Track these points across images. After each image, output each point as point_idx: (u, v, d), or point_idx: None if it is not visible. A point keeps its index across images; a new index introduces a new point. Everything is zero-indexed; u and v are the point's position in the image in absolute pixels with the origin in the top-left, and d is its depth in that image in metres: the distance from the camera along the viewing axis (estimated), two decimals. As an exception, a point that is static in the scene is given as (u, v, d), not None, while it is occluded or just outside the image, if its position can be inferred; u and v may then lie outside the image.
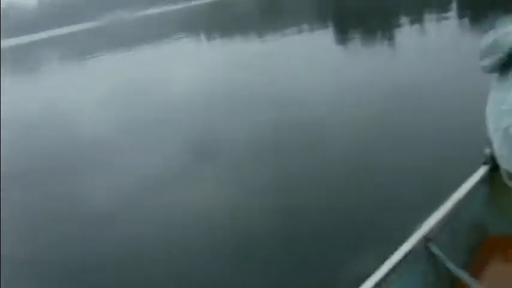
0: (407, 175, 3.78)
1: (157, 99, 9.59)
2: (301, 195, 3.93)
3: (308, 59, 10.37)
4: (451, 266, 1.66)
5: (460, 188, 1.89)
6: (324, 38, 14.39)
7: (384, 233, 2.95)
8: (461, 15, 13.92)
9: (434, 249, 1.69)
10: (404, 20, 15.82)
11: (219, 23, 33.48)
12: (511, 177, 1.15)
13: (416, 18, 14.86)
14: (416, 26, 13.56)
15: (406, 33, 12.44)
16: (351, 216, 3.41)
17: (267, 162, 4.84)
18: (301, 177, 4.32)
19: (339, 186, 3.95)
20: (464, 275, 1.61)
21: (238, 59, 13.21)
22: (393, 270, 1.54)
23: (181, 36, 25.22)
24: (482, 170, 1.94)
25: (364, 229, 3.17)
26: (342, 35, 14.45)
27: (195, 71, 12.11)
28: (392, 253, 1.62)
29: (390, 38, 12.08)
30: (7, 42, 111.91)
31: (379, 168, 4.04)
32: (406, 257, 1.60)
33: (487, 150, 1.86)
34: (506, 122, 0.98)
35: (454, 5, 17.04)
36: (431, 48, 8.91)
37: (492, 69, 1.05)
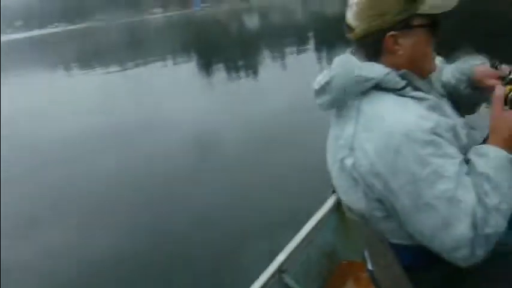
0: (260, 210, 3.85)
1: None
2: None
3: (169, 92, 10.25)
4: None
5: (311, 219, 1.91)
6: (187, 70, 14.59)
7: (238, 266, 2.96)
8: (318, 49, 15.76)
9: (288, 280, 1.69)
10: (266, 52, 17.17)
11: (81, 52, 31.40)
12: (349, 208, 1.13)
13: (278, 51, 16.29)
14: (277, 59, 14.85)
15: (267, 65, 13.46)
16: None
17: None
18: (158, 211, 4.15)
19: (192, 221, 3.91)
20: None
21: (94, 92, 12.36)
22: None
23: (37, 67, 22.74)
24: (331, 200, 2.01)
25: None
26: (205, 67, 14.84)
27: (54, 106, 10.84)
28: None
29: (251, 70, 12.84)
30: None
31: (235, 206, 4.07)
32: None
33: None
34: (342, 154, 0.99)
35: (312, 40, 19.28)
36: (290, 80, 9.63)
37: (328, 107, 1.07)
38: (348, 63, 1.03)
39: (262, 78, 11.15)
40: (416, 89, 1.01)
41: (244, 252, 3.21)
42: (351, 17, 1.04)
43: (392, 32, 0.99)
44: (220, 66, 14.67)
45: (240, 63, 14.96)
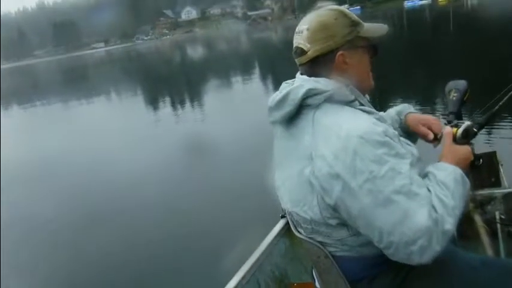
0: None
1: None
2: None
3: (116, 126, 9.99)
4: None
5: (260, 244, 1.95)
6: (133, 104, 14.34)
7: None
8: (263, 77, 16.18)
9: None
10: (214, 81, 17.33)
11: (20, 89, 29.71)
12: (297, 224, 1.21)
13: (225, 81, 16.50)
14: (224, 88, 15.03)
15: (215, 95, 13.56)
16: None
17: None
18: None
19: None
20: None
21: (39, 130, 11.72)
22: None
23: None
24: (280, 224, 2.04)
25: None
26: (151, 100, 14.66)
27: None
28: None
29: (197, 101, 12.87)
30: None
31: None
32: None
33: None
34: (299, 166, 1.05)
35: (257, 69, 19.75)
36: (237, 109, 9.82)
37: (281, 122, 1.13)
38: (304, 80, 1.14)
39: (207, 110, 11.21)
40: (361, 104, 1.14)
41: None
42: (302, 41, 1.15)
43: (341, 52, 1.13)
44: (165, 98, 14.58)
45: (185, 95, 14.96)
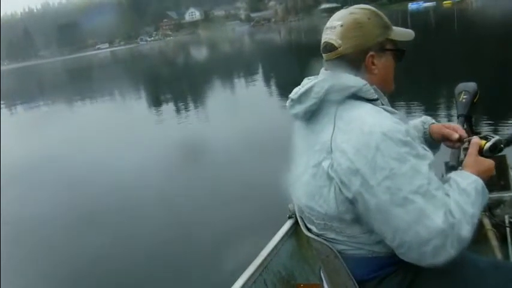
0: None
1: None
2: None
3: (120, 127, 10.00)
4: None
5: (267, 244, 1.93)
6: (137, 104, 14.39)
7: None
8: (267, 79, 16.19)
9: None
10: (217, 83, 17.36)
11: (24, 89, 29.89)
12: (309, 221, 1.19)
13: (228, 83, 16.52)
14: (228, 90, 15.05)
15: (219, 96, 13.58)
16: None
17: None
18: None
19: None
20: None
21: (43, 130, 11.77)
22: None
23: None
24: (287, 224, 2.05)
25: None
26: (154, 101, 14.69)
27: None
28: None
29: (200, 102, 12.88)
30: None
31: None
32: None
33: (290, 205, 1.99)
34: (317, 159, 1.05)
35: (260, 70, 19.78)
36: (240, 110, 9.80)
37: (303, 116, 1.13)
38: (329, 75, 1.14)
39: (211, 111, 11.21)
40: (383, 105, 1.14)
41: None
42: (334, 36, 1.15)
43: (372, 52, 1.14)
44: (168, 99, 14.61)
45: (187, 96, 14.98)
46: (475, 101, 1.40)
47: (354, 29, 1.13)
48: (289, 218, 2.06)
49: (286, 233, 2.02)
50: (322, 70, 1.19)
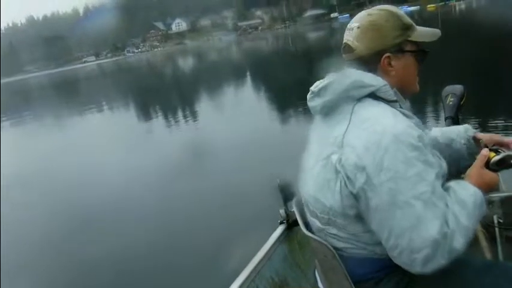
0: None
1: None
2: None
3: (107, 139, 9.91)
4: None
5: (259, 250, 1.92)
6: (125, 116, 14.31)
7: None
8: (255, 84, 16.29)
9: None
10: (206, 92, 17.37)
11: (10, 104, 29.53)
12: (312, 214, 1.18)
13: (215, 91, 16.54)
14: (214, 98, 15.07)
15: (208, 104, 13.59)
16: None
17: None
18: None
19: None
20: None
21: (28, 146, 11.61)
22: None
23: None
24: (279, 230, 2.05)
25: None
26: (143, 112, 14.65)
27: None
28: None
29: (190, 112, 12.86)
30: None
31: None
32: None
33: (281, 211, 2.02)
34: (328, 152, 1.06)
35: (248, 75, 19.88)
36: (229, 116, 9.81)
37: (320, 111, 1.14)
38: (351, 71, 1.14)
39: (199, 119, 11.20)
40: (401, 108, 1.14)
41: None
42: (351, 38, 1.16)
43: (388, 54, 1.13)
44: (158, 110, 14.57)
45: (176, 105, 14.95)
46: (462, 103, 1.41)
47: (370, 31, 1.14)
48: (281, 223, 2.06)
49: (278, 239, 2.02)
50: (345, 67, 1.20)
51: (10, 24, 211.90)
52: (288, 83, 13.92)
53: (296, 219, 1.97)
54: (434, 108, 6.72)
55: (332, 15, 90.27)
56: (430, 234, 0.96)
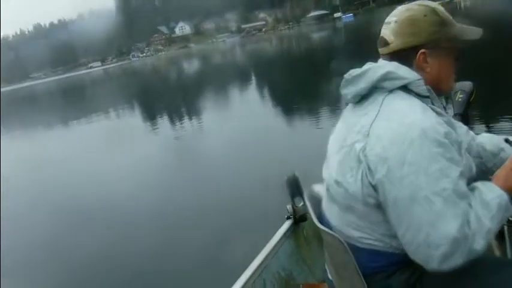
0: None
1: None
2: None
3: (114, 144, 9.96)
4: None
5: (266, 245, 1.93)
6: (131, 121, 14.38)
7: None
8: (259, 86, 16.29)
9: None
10: (210, 94, 17.42)
11: (16, 111, 29.85)
12: (333, 200, 1.17)
13: (221, 91, 16.59)
14: (222, 97, 15.12)
15: (213, 106, 13.63)
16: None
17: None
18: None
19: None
20: None
21: (36, 152, 11.71)
22: None
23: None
24: (286, 225, 2.05)
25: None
26: (149, 116, 14.71)
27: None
28: None
29: (197, 114, 12.88)
30: None
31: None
32: None
33: (288, 206, 2.02)
34: (353, 139, 1.06)
35: (253, 77, 19.91)
36: (234, 117, 9.81)
37: (351, 99, 1.15)
38: (386, 62, 1.14)
39: (204, 121, 11.24)
40: (433, 104, 1.12)
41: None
42: (388, 32, 1.15)
43: (423, 50, 1.12)
44: (164, 113, 14.63)
45: (183, 108, 15.01)
46: (471, 100, 1.39)
47: (406, 26, 1.13)
48: (288, 218, 2.06)
49: (285, 234, 2.02)
50: (381, 59, 1.20)
51: (18, 33, 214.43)
52: (291, 84, 13.94)
53: (303, 214, 2.00)
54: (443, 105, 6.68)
55: (335, 15, 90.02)
56: (448, 231, 0.95)
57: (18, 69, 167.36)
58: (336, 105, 8.10)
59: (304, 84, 13.23)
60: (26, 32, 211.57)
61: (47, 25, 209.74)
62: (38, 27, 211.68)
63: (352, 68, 1.17)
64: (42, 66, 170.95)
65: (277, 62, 26.24)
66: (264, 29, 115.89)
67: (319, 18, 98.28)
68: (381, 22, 1.19)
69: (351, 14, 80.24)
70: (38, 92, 62.02)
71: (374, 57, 1.21)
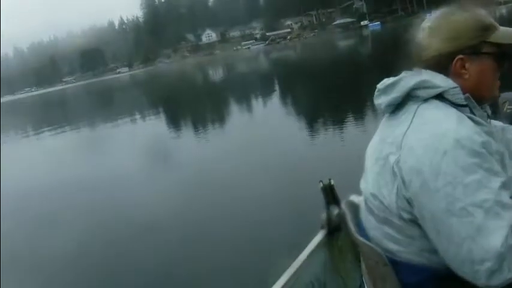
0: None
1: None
2: None
3: (139, 148, 10.14)
4: None
5: (300, 254, 1.88)
6: (156, 125, 14.63)
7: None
8: (283, 93, 16.20)
9: None
10: (234, 101, 17.54)
11: (48, 115, 30.89)
12: (370, 212, 1.13)
13: (244, 100, 16.69)
14: (244, 107, 15.18)
15: (236, 113, 13.70)
16: None
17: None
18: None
19: None
20: None
21: (64, 153, 12.05)
22: None
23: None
24: (320, 235, 2.00)
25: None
26: (173, 121, 14.92)
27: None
28: None
29: (221, 119, 12.99)
30: None
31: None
32: None
33: (323, 215, 1.96)
34: (387, 151, 1.03)
35: (276, 85, 19.92)
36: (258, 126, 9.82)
37: (385, 109, 1.11)
38: (421, 71, 1.09)
39: (228, 129, 11.30)
40: (472, 113, 1.06)
41: None
42: (424, 37, 1.11)
43: (461, 56, 1.06)
44: (189, 119, 14.82)
45: (209, 115, 15.15)
46: None
47: (443, 30, 1.08)
48: (322, 228, 1.99)
49: (319, 244, 1.95)
50: (415, 68, 1.14)
51: (52, 38, 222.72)
52: (314, 93, 13.85)
53: (337, 224, 1.95)
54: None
55: (362, 23, 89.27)
56: (492, 246, 0.89)
57: (52, 73, 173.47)
58: (362, 116, 7.98)
59: (329, 93, 13.13)
60: (59, 38, 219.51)
61: (79, 32, 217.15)
62: (70, 34, 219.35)
63: (379, 77, 1.14)
64: (74, 71, 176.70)
65: (301, 70, 26.17)
66: (289, 37, 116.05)
67: (345, 26, 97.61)
68: (409, 30, 1.15)
69: (378, 22, 79.59)
70: (68, 95, 64.03)
71: (403, 65, 1.16)
